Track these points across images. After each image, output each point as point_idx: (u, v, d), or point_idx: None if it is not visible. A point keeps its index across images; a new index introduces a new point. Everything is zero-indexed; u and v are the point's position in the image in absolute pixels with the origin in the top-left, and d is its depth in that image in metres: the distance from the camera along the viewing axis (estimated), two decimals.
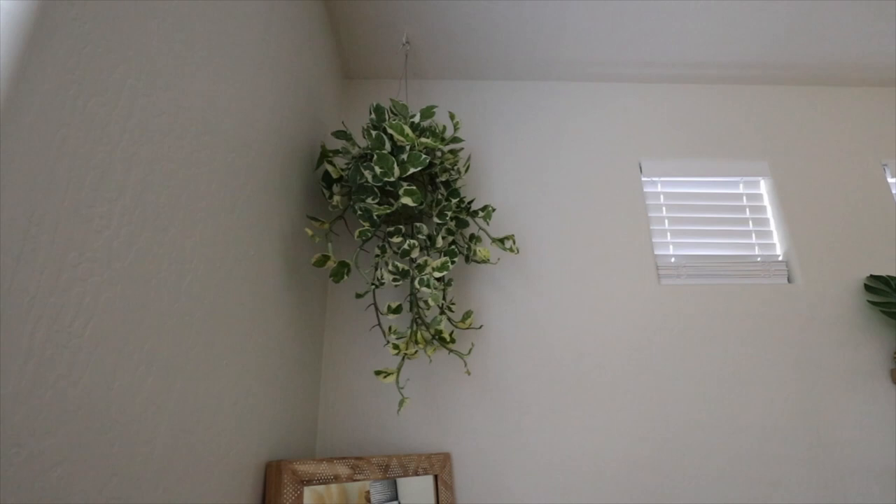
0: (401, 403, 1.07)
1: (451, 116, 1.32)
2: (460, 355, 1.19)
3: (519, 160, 1.68)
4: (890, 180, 1.75)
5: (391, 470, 1.22)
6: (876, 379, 1.51)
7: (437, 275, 1.14)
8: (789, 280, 1.62)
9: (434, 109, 1.26)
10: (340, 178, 1.23)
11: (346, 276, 1.14)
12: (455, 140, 1.31)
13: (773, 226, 1.69)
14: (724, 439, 1.42)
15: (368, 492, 1.26)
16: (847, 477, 1.41)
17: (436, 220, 1.21)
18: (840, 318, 1.55)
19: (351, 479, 1.14)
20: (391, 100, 1.26)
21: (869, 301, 1.55)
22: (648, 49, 1.70)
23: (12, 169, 0.41)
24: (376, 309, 1.21)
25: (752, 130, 1.78)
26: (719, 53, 1.72)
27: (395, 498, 1.30)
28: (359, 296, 1.11)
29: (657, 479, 1.37)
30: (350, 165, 1.22)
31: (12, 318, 0.41)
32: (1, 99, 0.40)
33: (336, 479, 1.11)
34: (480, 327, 1.37)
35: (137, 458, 0.58)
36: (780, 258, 1.65)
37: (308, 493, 1.06)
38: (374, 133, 1.14)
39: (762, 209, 1.71)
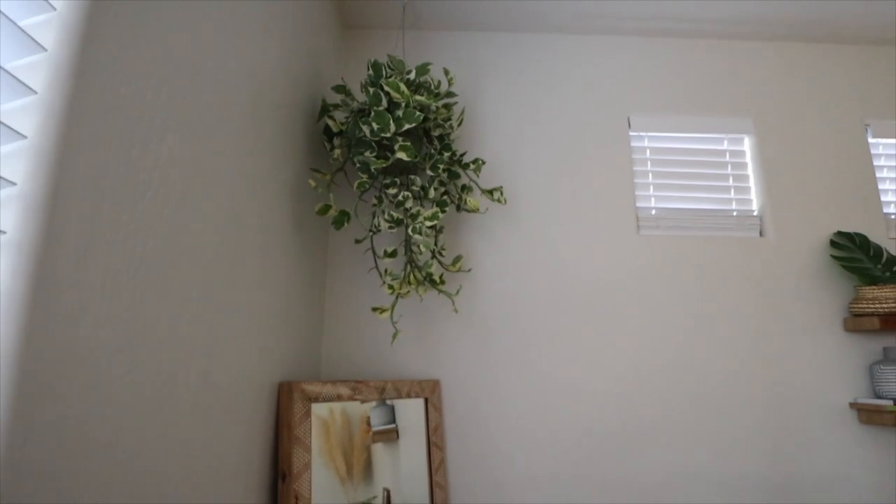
0: (394, 336, 1.22)
1: (446, 72, 1.40)
2: (449, 295, 1.34)
3: (511, 113, 1.75)
4: (870, 140, 1.82)
5: (386, 392, 1.39)
6: (831, 327, 1.65)
7: (429, 223, 1.26)
8: (761, 234, 1.73)
9: (429, 66, 1.34)
10: (341, 132, 1.32)
11: (346, 224, 1.26)
12: (449, 95, 1.39)
13: (751, 182, 1.79)
14: (691, 379, 1.59)
15: (368, 417, 1.45)
16: (801, 413, 1.59)
17: (429, 172, 1.32)
18: (804, 272, 1.68)
19: (352, 398, 1.32)
20: (388, 56, 1.33)
21: (832, 256, 1.67)
22: (646, 2, 1.72)
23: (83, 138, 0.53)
24: (374, 253, 1.35)
25: (739, 87, 1.84)
26: (714, 7, 1.75)
27: (393, 421, 1.49)
28: (358, 241, 1.24)
29: (626, 411, 1.55)
30: (349, 119, 1.32)
31: (88, 266, 0.54)
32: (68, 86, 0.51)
33: (339, 398, 1.29)
34: (469, 270, 1.51)
35: (181, 374, 0.73)
36: (755, 213, 1.76)
37: (315, 420, 1.24)
38: (371, 90, 1.23)
39: (743, 166, 1.80)
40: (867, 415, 1.55)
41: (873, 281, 1.60)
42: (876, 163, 1.80)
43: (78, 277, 0.53)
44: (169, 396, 0.71)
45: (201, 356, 0.81)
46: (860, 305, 1.58)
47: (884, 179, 1.79)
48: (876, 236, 1.70)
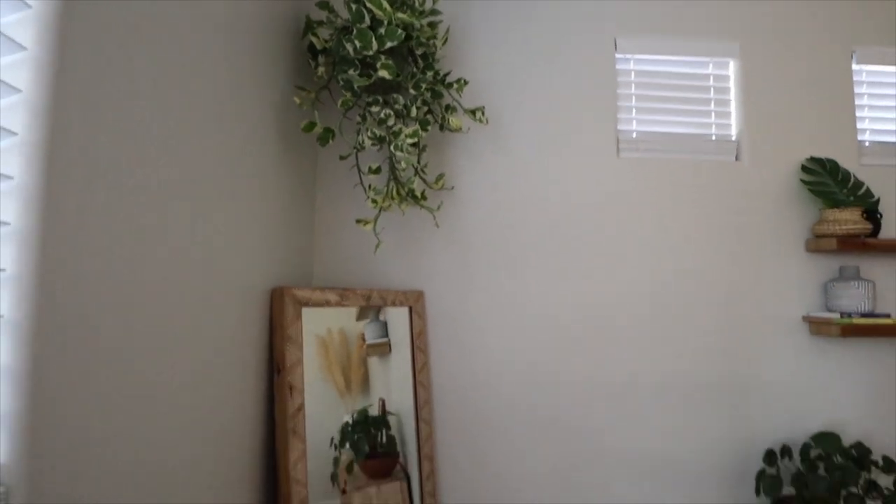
0: (377, 246, 1.32)
1: None
2: (430, 210, 1.42)
3: (497, 33, 1.75)
4: (854, 67, 1.83)
5: (372, 299, 1.52)
6: (794, 248, 1.76)
7: (410, 141, 1.32)
8: (737, 158, 1.79)
9: None
10: (325, 50, 1.35)
11: (331, 141, 1.33)
12: (433, 13, 1.41)
13: (732, 107, 1.82)
14: (658, 292, 1.71)
15: (363, 333, 1.58)
16: (757, 325, 1.72)
17: (412, 91, 1.36)
18: (774, 195, 1.76)
19: (340, 304, 1.44)
20: None
21: (801, 180, 1.74)
22: None
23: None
24: (359, 170, 1.42)
25: (728, 10, 1.82)
26: None
27: (386, 335, 1.62)
28: (342, 158, 1.31)
29: (597, 318, 1.68)
30: (333, 37, 1.34)
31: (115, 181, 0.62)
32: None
33: (327, 303, 1.41)
34: (452, 188, 1.58)
35: (182, 275, 0.83)
36: (733, 138, 1.81)
37: (314, 339, 1.35)
38: (353, 7, 1.25)
39: (726, 90, 1.82)
40: (816, 326, 1.69)
41: (837, 204, 1.68)
42: (857, 90, 1.83)
43: (82, 205, 0.62)
44: (170, 303, 0.82)
45: (200, 260, 0.90)
46: (821, 227, 1.67)
47: (862, 107, 1.83)
48: (847, 162, 1.76)
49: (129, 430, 0.73)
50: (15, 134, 0.57)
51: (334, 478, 1.38)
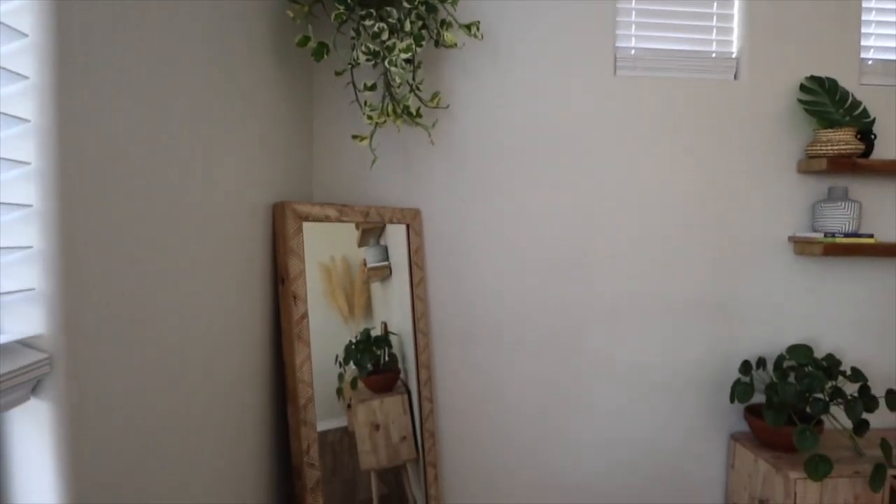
0: (373, 162, 1.36)
1: None
2: (425, 128, 1.45)
3: None
4: None
5: (370, 216, 1.57)
6: (786, 169, 1.78)
7: (404, 56, 1.33)
8: (735, 77, 1.78)
9: None
10: None
11: (325, 56, 1.33)
12: None
13: (735, 21, 1.78)
14: (650, 212, 1.75)
15: (365, 259, 1.64)
16: (744, 245, 1.78)
17: (405, 3, 1.35)
18: (769, 115, 1.76)
19: (339, 220, 1.50)
20: None
21: (798, 100, 1.73)
22: None
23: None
24: (354, 86, 1.43)
25: None
26: None
27: (386, 259, 1.69)
28: (337, 73, 1.32)
29: (589, 239, 1.74)
30: None
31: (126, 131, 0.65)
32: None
33: (327, 218, 1.47)
34: (447, 107, 1.59)
35: (189, 196, 0.88)
36: (734, 55, 1.78)
37: (317, 266, 1.41)
38: None
39: (729, 5, 1.78)
40: (801, 246, 1.74)
41: (832, 125, 1.68)
42: (865, 4, 1.77)
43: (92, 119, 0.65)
44: (175, 217, 0.87)
45: (201, 177, 0.95)
46: (814, 148, 1.68)
47: (869, 23, 1.78)
48: (847, 81, 1.74)
49: (152, 316, 0.81)
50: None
51: (339, 392, 1.50)
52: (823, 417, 1.62)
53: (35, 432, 0.63)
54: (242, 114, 1.14)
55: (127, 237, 0.75)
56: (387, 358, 1.63)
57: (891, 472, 1.50)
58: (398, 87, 1.42)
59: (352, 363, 1.53)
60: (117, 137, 0.72)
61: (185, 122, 0.89)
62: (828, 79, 1.71)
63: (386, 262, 1.66)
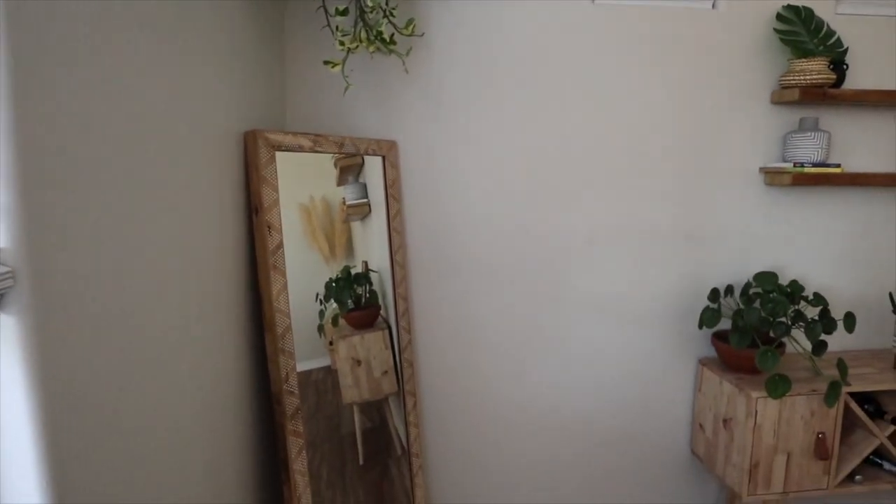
0: (346, 88, 1.34)
1: None
2: (399, 55, 1.42)
3: None
4: None
5: (345, 146, 1.55)
6: (759, 99, 1.79)
7: None
8: (713, 6, 1.76)
9: None
10: None
11: None
12: None
13: None
14: (622, 142, 1.76)
15: (344, 198, 1.63)
16: (715, 175, 1.82)
17: None
18: (745, 45, 1.75)
19: (313, 150, 1.48)
20: None
21: (774, 29, 1.73)
22: None
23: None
24: (325, 11, 1.38)
25: None
26: None
27: (365, 196, 1.68)
28: None
29: (564, 170, 1.75)
30: None
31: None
32: None
33: (300, 148, 1.45)
34: (423, 35, 1.56)
35: (154, 124, 0.86)
36: None
37: (295, 206, 1.39)
38: None
39: None
40: (771, 177, 1.78)
41: (806, 55, 1.68)
42: None
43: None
44: (142, 143, 0.86)
45: (169, 108, 0.93)
46: (787, 78, 1.69)
47: None
48: (824, 11, 1.74)
49: (119, 234, 0.81)
50: None
51: (320, 329, 1.52)
52: (785, 340, 1.70)
53: (2, 348, 0.63)
54: (208, 37, 1.11)
55: (91, 155, 0.74)
56: (367, 295, 1.65)
57: (845, 389, 1.59)
58: (371, 11, 1.38)
59: (332, 301, 1.54)
60: (79, 62, 0.70)
61: (147, 44, 0.86)
62: (804, 8, 1.70)
63: (365, 200, 1.65)
